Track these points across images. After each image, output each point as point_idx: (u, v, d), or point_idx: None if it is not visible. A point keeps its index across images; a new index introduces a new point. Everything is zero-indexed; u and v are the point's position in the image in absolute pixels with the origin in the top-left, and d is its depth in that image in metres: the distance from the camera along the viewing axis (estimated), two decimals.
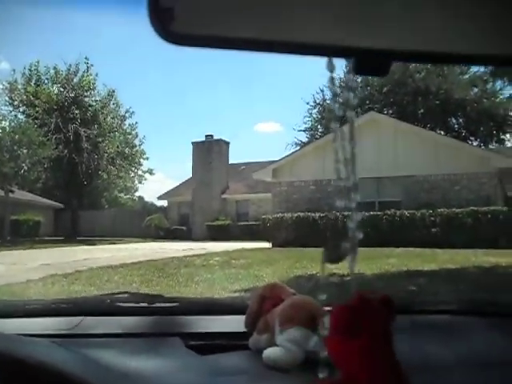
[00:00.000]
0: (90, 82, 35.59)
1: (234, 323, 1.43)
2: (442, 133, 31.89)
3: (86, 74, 35.73)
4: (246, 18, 0.42)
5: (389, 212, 20.13)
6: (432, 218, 19.40)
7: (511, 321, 1.71)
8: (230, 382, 1.16)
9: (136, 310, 1.57)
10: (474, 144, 33.41)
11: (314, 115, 38.28)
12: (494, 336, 1.57)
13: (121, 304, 1.62)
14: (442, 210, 19.50)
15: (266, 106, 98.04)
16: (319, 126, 37.62)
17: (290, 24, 0.42)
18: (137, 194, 59.80)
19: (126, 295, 1.80)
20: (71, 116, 34.17)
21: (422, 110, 34.02)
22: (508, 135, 35.70)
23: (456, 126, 36.10)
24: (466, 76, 34.50)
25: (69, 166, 33.94)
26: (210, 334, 1.43)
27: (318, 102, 38.01)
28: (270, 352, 1.19)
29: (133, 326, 1.47)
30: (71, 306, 1.64)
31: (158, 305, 1.67)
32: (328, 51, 0.46)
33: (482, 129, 34.89)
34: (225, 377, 1.21)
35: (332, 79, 0.50)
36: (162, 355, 1.32)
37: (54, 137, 32.40)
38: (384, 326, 0.68)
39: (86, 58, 35.54)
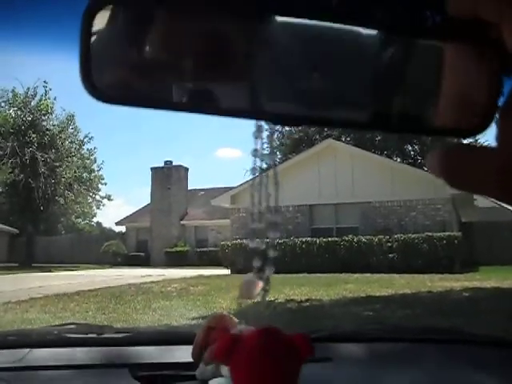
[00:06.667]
0: (47, 105, 35.11)
1: (182, 353, 1.43)
2: (399, 160, 32.49)
3: (44, 98, 35.28)
4: (175, 79, 0.44)
5: (346, 238, 20.33)
6: (389, 244, 19.66)
7: (461, 347, 1.76)
8: None
9: (84, 341, 1.56)
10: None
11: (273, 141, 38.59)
12: (444, 363, 1.62)
13: (69, 335, 1.61)
14: (398, 235, 19.80)
15: (226, 132, 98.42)
16: (278, 153, 37.91)
17: (216, 88, 0.45)
18: (95, 219, 58.94)
19: (73, 326, 1.78)
20: (28, 140, 33.57)
21: (378, 137, 34.64)
22: None
23: (412, 152, 36.83)
24: None
25: (25, 191, 33.25)
26: (159, 365, 1.43)
27: (276, 128, 38.26)
28: (214, 382, 1.20)
29: (81, 357, 1.46)
30: (17, 338, 1.62)
31: (107, 335, 1.65)
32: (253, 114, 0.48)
33: None
34: None
35: (259, 127, 0.53)
36: None
37: (9, 161, 31.80)
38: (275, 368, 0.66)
39: (44, 82, 35.14)
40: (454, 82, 0.41)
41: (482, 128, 0.42)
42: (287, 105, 0.46)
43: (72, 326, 1.77)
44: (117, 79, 0.43)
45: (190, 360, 1.40)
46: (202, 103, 0.44)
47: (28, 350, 1.47)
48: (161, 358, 1.46)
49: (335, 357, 1.60)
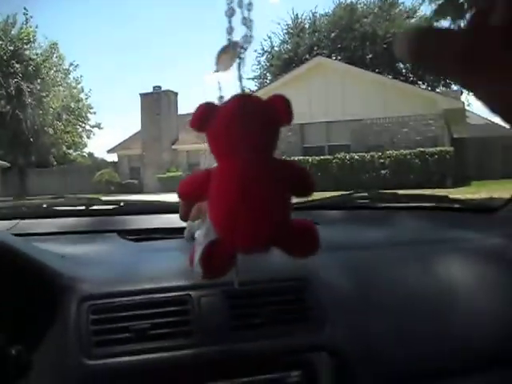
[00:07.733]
0: (29, 33, 34.16)
1: (172, 220, 1.44)
2: (390, 77, 32.08)
3: (25, 26, 34.29)
4: None
5: (338, 156, 20.35)
6: (381, 161, 19.71)
7: (445, 213, 1.79)
8: (162, 256, 1.18)
9: (73, 212, 1.57)
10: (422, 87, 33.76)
11: (263, 63, 37.95)
12: (427, 224, 1.65)
13: (58, 208, 1.61)
14: (390, 152, 19.81)
15: (214, 56, 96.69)
16: (268, 74, 37.34)
17: None
18: (86, 149, 58.57)
19: (62, 199, 1.78)
20: (12, 71, 32.85)
21: (370, 55, 34.07)
22: None
23: (404, 70, 36.33)
24: (413, 20, 34.53)
25: (13, 123, 32.85)
26: (148, 230, 1.45)
27: (265, 49, 37.62)
28: (200, 231, 1.22)
29: (70, 226, 1.48)
30: (6, 210, 1.62)
31: (95, 207, 1.66)
32: None
33: None
34: (157, 253, 1.23)
35: None
36: (99, 244, 1.34)
37: None
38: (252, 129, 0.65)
39: (24, 9, 34.06)
40: None
41: None
42: None
43: (61, 200, 1.77)
44: None
45: (179, 225, 1.42)
46: None
47: (17, 221, 1.48)
48: (150, 224, 1.47)
49: (322, 222, 1.62)
